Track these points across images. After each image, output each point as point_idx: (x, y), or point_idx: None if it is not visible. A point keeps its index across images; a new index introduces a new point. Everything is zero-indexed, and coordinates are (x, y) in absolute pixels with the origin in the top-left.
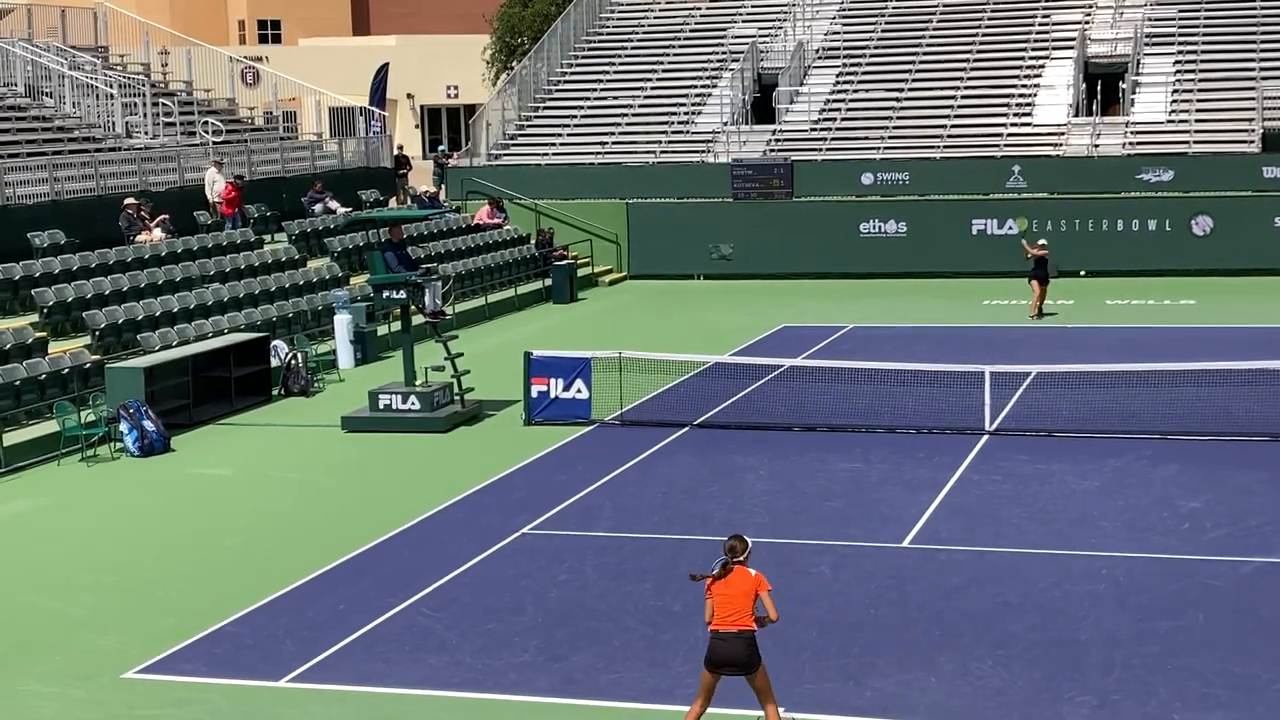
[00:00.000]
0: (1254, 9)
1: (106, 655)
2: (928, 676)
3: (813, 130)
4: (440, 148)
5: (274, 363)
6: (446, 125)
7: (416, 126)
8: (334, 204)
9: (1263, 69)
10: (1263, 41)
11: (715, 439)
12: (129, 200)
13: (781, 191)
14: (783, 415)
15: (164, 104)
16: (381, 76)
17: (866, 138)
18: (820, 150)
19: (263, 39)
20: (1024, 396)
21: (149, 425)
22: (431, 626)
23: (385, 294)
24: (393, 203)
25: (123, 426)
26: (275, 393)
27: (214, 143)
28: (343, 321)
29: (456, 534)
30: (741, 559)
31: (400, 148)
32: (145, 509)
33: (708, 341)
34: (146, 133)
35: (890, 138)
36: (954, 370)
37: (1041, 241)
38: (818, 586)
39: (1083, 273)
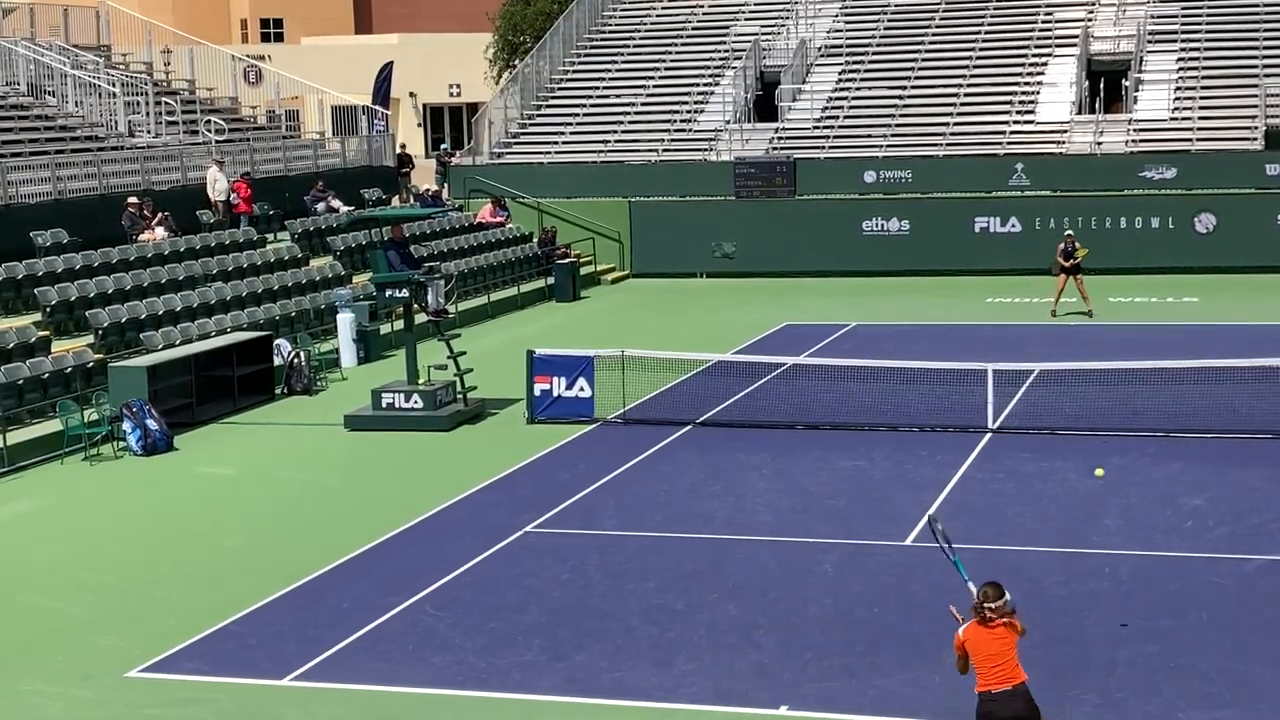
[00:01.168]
0: (1257, 6)
1: (109, 655)
2: (931, 675)
3: (815, 128)
4: (443, 146)
5: (277, 361)
6: (449, 124)
7: (419, 125)
8: (336, 203)
9: (1265, 67)
10: (1265, 39)
11: (718, 437)
12: (131, 199)
13: (784, 190)
14: (785, 413)
15: (166, 103)
16: (385, 75)
17: (869, 136)
18: (823, 148)
19: (265, 38)
20: (1027, 394)
21: (152, 424)
22: (434, 625)
23: (388, 293)
24: (395, 201)
25: (126, 425)
26: (278, 391)
27: (216, 141)
28: (345, 320)
29: (459, 533)
30: (996, 606)
31: (403, 146)
32: (148, 508)
33: (710, 340)
34: (149, 131)
35: (893, 136)
36: (956, 368)
37: (1068, 233)
38: (821, 585)
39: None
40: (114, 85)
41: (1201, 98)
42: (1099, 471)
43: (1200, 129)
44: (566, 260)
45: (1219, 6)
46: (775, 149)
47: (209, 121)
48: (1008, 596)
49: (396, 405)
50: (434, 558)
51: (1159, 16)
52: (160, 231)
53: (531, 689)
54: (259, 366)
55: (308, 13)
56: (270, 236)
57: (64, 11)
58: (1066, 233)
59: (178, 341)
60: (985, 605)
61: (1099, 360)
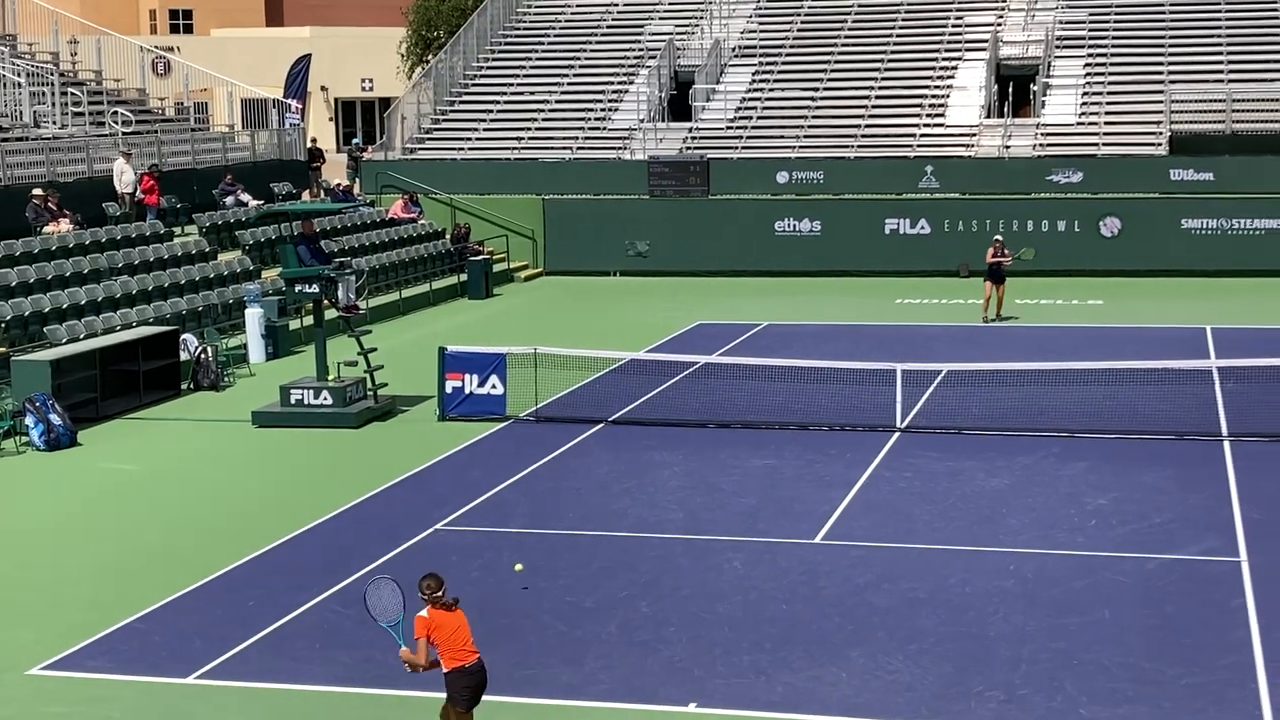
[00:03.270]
0: (1163, 14)
1: (14, 652)
2: (839, 671)
3: (729, 128)
4: (354, 141)
5: (184, 356)
6: (361, 118)
7: (330, 119)
8: (246, 196)
9: (1171, 73)
10: (1171, 46)
11: (630, 435)
12: (36, 191)
13: (697, 189)
14: (698, 412)
15: (73, 93)
16: (302, 68)
17: (782, 137)
18: (736, 148)
19: (174, 29)
20: (935, 394)
21: (55, 419)
22: (342, 624)
23: (298, 288)
24: (306, 196)
25: (28, 420)
26: (185, 387)
27: (123, 133)
28: (254, 315)
29: (368, 530)
30: (440, 595)
31: (314, 140)
32: (51, 504)
33: (623, 338)
34: (55, 122)
35: (805, 137)
36: (866, 368)
37: (998, 238)
38: (731, 582)
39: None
40: (19, 75)
41: (1108, 103)
42: (518, 567)
43: (1107, 134)
44: (480, 257)
45: (1126, 13)
46: (689, 148)
47: (116, 113)
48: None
49: (305, 402)
50: (342, 555)
51: (1067, 22)
52: (65, 224)
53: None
54: (165, 361)
55: (218, 4)
56: (178, 230)
57: None
58: (996, 237)
59: (82, 335)
60: (436, 595)
61: (1006, 361)
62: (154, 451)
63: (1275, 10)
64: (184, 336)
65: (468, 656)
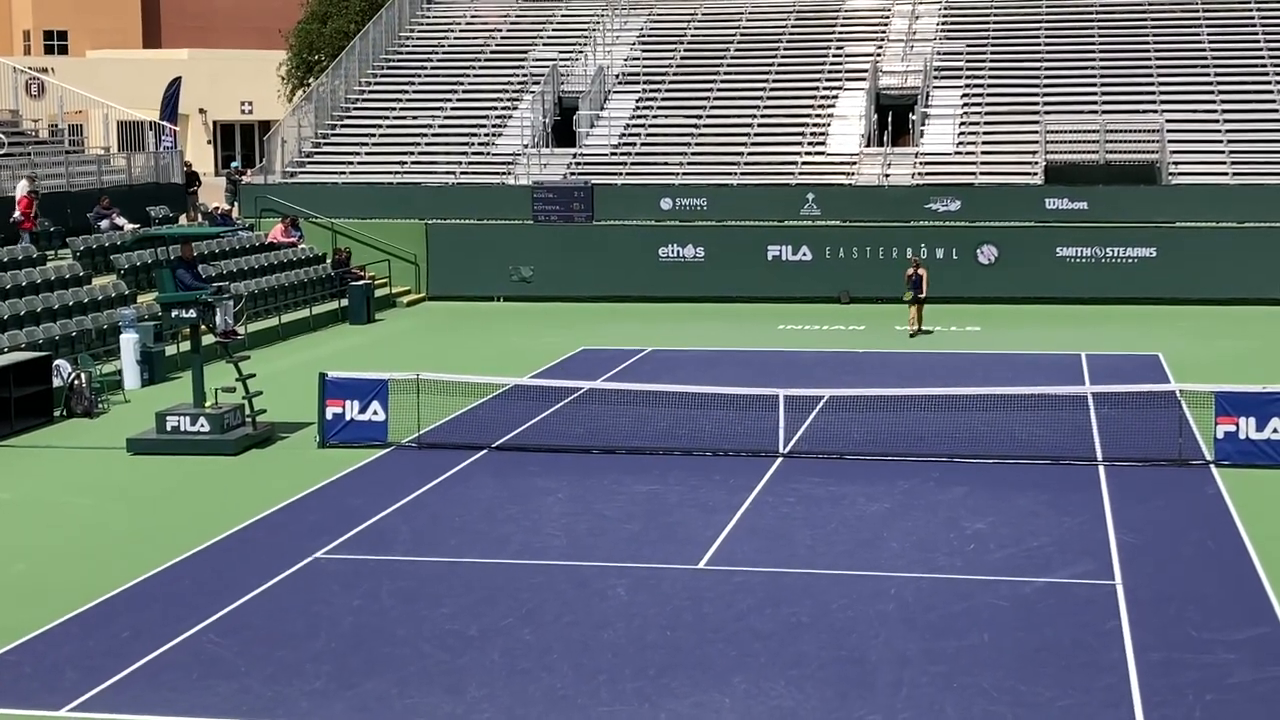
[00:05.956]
0: (1039, 45)
1: None
2: (722, 697)
3: (613, 154)
4: (233, 164)
5: (56, 383)
6: (240, 141)
7: (209, 142)
8: (121, 220)
9: (1046, 104)
10: (1046, 78)
11: (514, 461)
12: None
13: (582, 214)
14: (582, 437)
15: None
16: (174, 90)
17: (665, 163)
18: (620, 174)
19: (49, 50)
20: (816, 419)
21: None
22: (220, 653)
23: (174, 313)
24: (183, 219)
25: None
26: (58, 414)
27: None
28: (129, 340)
29: (247, 559)
30: None
31: (188, 164)
32: None
33: (507, 363)
34: None
35: (689, 163)
36: (749, 393)
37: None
38: (615, 609)
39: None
40: None
41: (985, 133)
42: None
43: (984, 163)
44: (361, 282)
45: (1002, 46)
46: (573, 174)
47: None
48: None
49: (182, 429)
50: (220, 584)
51: (945, 53)
52: None
53: (320, 717)
54: (37, 388)
55: (94, 25)
56: (51, 254)
57: None
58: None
59: None
60: None
61: (886, 387)
62: (26, 480)
63: (1146, 43)
64: (57, 362)
65: None
